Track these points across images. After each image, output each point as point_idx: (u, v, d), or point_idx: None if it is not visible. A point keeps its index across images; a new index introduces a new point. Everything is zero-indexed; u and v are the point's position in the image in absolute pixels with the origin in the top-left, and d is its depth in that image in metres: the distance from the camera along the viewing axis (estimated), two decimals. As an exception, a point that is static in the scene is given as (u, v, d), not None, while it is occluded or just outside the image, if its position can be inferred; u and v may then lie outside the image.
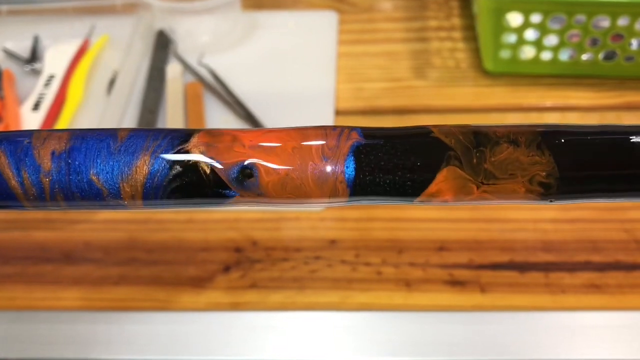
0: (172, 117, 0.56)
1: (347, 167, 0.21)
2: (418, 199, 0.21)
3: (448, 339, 0.42)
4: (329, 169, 0.21)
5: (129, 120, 0.57)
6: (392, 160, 0.21)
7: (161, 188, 0.21)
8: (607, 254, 0.45)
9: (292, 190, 0.21)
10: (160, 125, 0.56)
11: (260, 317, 0.43)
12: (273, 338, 0.42)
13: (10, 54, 0.64)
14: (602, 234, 0.46)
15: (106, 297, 0.45)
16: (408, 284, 0.44)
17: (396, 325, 0.42)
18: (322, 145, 0.21)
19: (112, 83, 0.60)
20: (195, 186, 0.21)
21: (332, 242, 0.47)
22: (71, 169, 0.21)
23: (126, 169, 0.21)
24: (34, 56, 0.64)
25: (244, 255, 0.47)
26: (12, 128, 0.55)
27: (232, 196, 0.22)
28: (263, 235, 0.48)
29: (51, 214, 0.50)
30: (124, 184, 0.21)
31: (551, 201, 0.21)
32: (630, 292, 0.43)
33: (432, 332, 0.42)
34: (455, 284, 0.44)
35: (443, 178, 0.21)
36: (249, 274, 0.45)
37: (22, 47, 0.65)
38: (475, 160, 0.21)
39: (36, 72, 0.62)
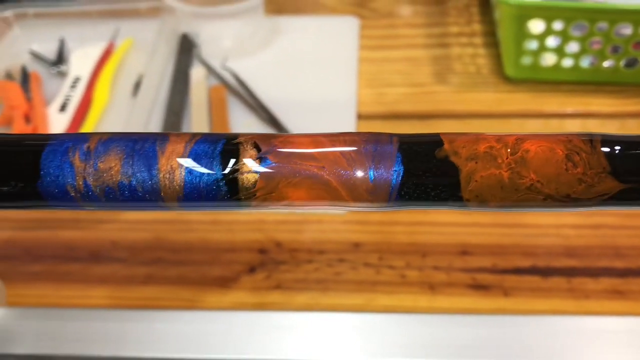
0: (197, 120, 0.57)
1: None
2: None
3: (471, 341, 0.42)
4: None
5: (154, 122, 0.57)
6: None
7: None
8: (629, 260, 0.45)
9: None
10: (185, 127, 0.57)
11: (285, 317, 0.44)
12: (297, 338, 0.43)
13: (37, 56, 0.66)
14: (625, 240, 0.46)
15: (133, 296, 0.46)
16: (432, 288, 0.44)
17: (419, 328, 0.43)
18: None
19: (137, 86, 0.61)
20: None
21: (356, 245, 0.48)
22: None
23: None
24: (60, 58, 0.65)
25: (269, 256, 0.47)
26: (40, 129, 0.56)
27: None
28: (287, 237, 0.48)
29: (79, 214, 0.51)
30: None
31: None
32: (653, 298, 0.43)
33: (455, 335, 0.42)
34: (479, 288, 0.44)
35: None
36: (274, 275, 0.46)
37: (48, 50, 0.66)
38: None
39: (62, 74, 0.63)
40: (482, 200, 0.22)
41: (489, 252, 0.46)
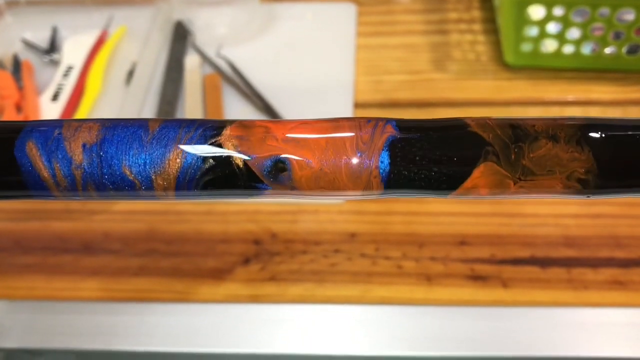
0: (191, 109, 0.56)
1: (381, 161, 0.21)
2: (453, 193, 0.21)
3: (469, 334, 0.41)
4: (363, 162, 0.21)
5: (147, 111, 0.57)
6: (427, 155, 0.21)
7: (194, 181, 0.21)
8: (630, 250, 0.44)
9: (325, 184, 0.21)
10: (179, 115, 0.56)
11: (280, 309, 0.43)
12: (292, 331, 0.42)
13: (29, 45, 0.64)
14: (626, 229, 0.45)
15: (125, 288, 0.45)
16: (429, 278, 0.44)
17: (417, 320, 0.42)
18: (356, 138, 0.21)
19: (130, 74, 0.60)
20: (228, 180, 0.21)
21: (352, 236, 0.47)
22: (103, 161, 0.21)
23: (159, 161, 0.21)
24: (53, 47, 0.64)
25: (263, 247, 0.46)
26: (32, 118, 0.55)
27: (265, 189, 0.21)
28: (282, 227, 0.48)
29: (70, 205, 0.50)
30: (157, 177, 0.21)
31: (588, 196, 0.21)
32: (654, 289, 0.42)
33: (453, 327, 0.41)
34: (477, 278, 0.43)
35: (480, 174, 0.21)
36: (268, 266, 0.45)
37: (41, 38, 0.65)
38: (513, 157, 0.20)
39: (55, 63, 0.62)
40: (482, 122, 0.21)
41: (487, 242, 0.45)
